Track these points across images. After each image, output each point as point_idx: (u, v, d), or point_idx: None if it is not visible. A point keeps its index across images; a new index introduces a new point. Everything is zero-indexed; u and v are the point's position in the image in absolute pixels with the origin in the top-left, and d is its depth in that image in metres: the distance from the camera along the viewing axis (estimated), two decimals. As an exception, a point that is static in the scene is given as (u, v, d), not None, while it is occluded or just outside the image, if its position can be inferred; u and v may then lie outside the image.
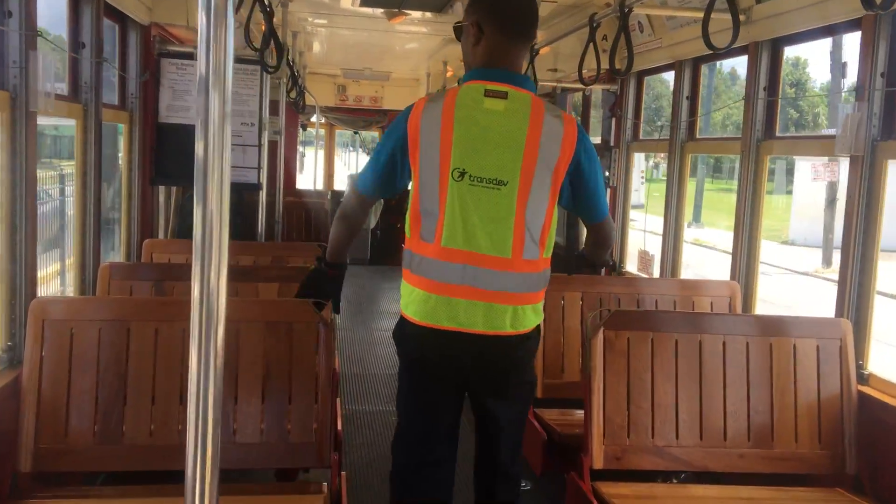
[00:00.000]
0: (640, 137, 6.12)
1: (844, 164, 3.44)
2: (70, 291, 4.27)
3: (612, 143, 6.22)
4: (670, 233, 5.17)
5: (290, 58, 7.79)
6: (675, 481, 3.44)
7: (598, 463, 3.11)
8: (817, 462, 3.15)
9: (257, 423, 2.91)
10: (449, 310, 2.60)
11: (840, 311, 3.40)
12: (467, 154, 2.57)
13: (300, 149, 13.91)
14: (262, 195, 5.27)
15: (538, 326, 2.77)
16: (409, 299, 2.67)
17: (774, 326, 3.32)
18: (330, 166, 14.17)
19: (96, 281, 3.95)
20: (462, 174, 2.57)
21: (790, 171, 23.85)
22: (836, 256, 4.33)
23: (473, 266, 2.59)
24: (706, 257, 16.96)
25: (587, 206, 2.81)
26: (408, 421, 2.79)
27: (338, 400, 4.15)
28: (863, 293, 3.33)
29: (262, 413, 2.91)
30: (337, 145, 18.51)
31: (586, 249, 3.21)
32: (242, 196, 5.93)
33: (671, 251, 5.13)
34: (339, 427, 3.48)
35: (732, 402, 3.18)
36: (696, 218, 24.60)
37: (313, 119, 13.24)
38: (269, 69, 4.92)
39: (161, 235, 5.37)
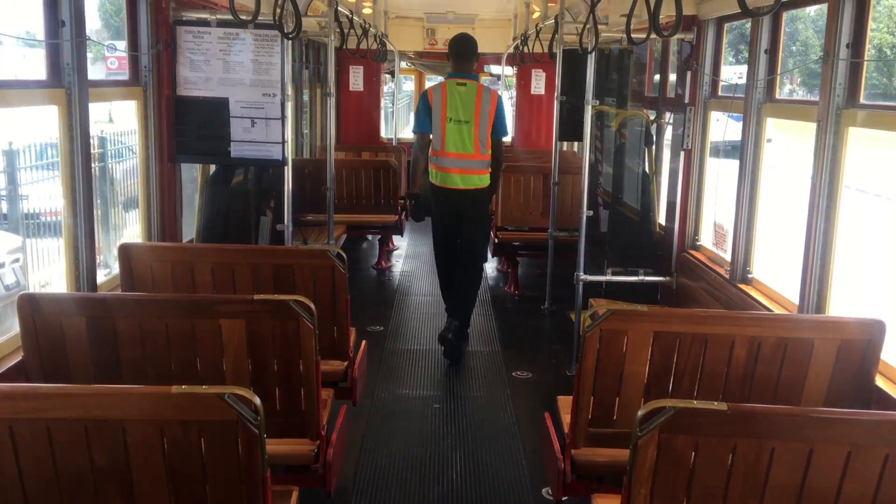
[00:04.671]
0: (720, 94, 5.37)
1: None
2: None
3: (686, 101, 5.50)
4: (742, 224, 4.47)
5: (348, 11, 7.36)
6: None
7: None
8: None
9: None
10: (450, 178, 5.86)
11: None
12: (452, 110, 5.79)
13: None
14: (288, 171, 4.89)
15: (487, 187, 5.97)
16: (434, 175, 5.93)
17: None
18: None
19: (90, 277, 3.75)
20: (450, 119, 5.80)
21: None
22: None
23: (459, 158, 5.83)
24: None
25: (496, 131, 5.90)
26: (435, 234, 6.20)
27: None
28: None
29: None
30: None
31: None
32: (276, 173, 5.48)
33: (743, 246, 4.44)
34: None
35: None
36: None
37: (404, 65, 12.81)
38: (288, 35, 4.52)
39: (188, 217, 5.12)
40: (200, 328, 3.08)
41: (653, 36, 4.65)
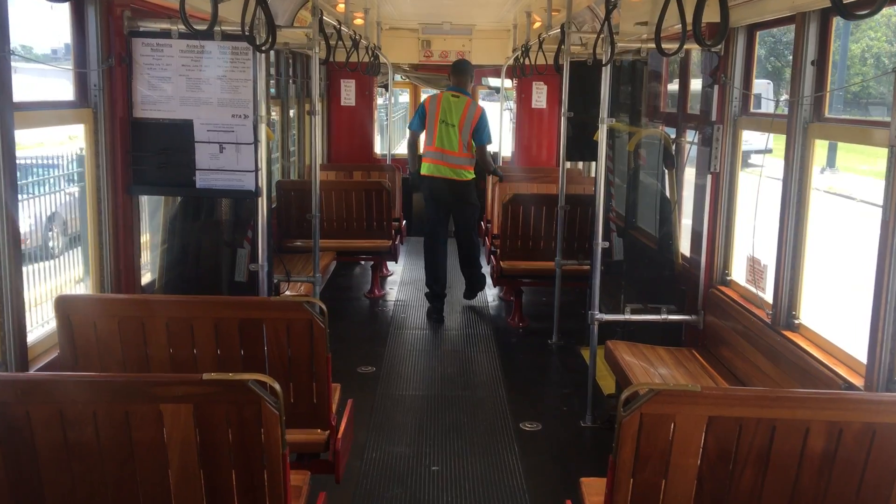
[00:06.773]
0: (752, 110, 4.76)
1: None
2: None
3: (713, 118, 4.88)
4: (786, 262, 3.87)
5: (336, 22, 6.76)
6: None
7: None
8: None
9: None
10: (435, 169, 7.48)
11: None
12: (444, 115, 7.45)
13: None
14: (262, 203, 4.26)
15: (471, 179, 7.56)
16: (425, 167, 7.54)
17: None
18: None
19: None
20: (442, 122, 7.44)
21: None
22: None
23: (445, 153, 7.46)
24: (843, 212, 14.96)
25: (478, 136, 7.47)
26: (427, 219, 7.73)
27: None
28: None
29: None
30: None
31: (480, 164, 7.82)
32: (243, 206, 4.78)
33: (787, 287, 3.84)
34: None
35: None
36: (831, 162, 22.03)
37: (398, 79, 12.17)
38: (261, 47, 3.91)
39: (151, 262, 4.48)
40: (137, 415, 2.45)
41: (687, 46, 4.09)
